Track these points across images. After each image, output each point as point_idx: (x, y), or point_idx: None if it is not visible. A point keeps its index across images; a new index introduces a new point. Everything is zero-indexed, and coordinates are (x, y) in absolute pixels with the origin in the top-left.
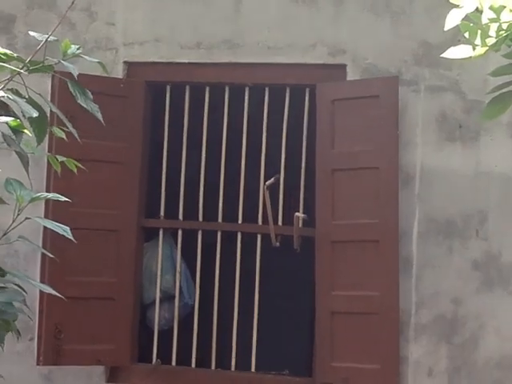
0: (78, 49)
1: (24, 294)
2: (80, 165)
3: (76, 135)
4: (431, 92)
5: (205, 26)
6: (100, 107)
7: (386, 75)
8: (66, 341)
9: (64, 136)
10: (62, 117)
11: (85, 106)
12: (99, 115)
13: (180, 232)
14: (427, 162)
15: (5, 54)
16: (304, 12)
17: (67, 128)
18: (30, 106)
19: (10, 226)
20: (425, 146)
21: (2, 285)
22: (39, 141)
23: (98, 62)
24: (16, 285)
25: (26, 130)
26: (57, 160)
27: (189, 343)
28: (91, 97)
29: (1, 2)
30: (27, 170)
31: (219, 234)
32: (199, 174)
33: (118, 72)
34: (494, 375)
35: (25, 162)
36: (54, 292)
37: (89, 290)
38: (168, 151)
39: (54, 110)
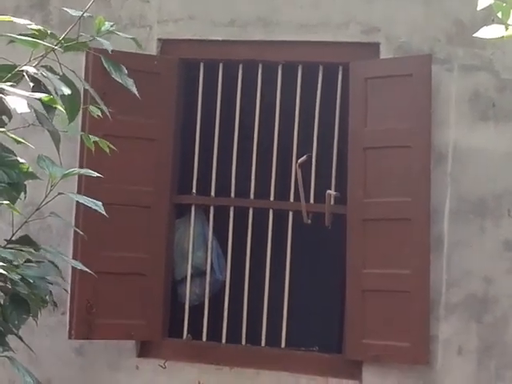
0: (112, 26)
1: (57, 269)
2: (112, 145)
3: (108, 113)
4: (464, 71)
5: (238, 3)
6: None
7: (419, 54)
8: (97, 315)
9: (99, 113)
10: (95, 95)
11: (120, 80)
12: (134, 89)
13: (212, 208)
14: (460, 142)
15: (39, 31)
16: None
17: (100, 106)
18: (64, 84)
19: (43, 201)
20: (458, 125)
21: (36, 260)
22: (71, 119)
23: (132, 39)
24: (49, 261)
25: (58, 107)
26: (90, 139)
27: (219, 319)
28: (126, 72)
29: None
30: (58, 148)
31: (251, 211)
32: (232, 151)
33: (152, 49)
34: None
35: (56, 140)
36: (84, 268)
37: (121, 266)
38: (201, 128)
39: (88, 87)
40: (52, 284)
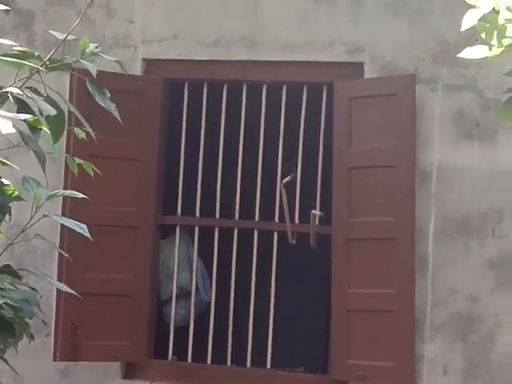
0: (96, 47)
1: (38, 294)
2: (96, 166)
3: (93, 135)
4: (448, 90)
5: (223, 23)
6: (118, 104)
7: (403, 73)
8: (82, 337)
9: (84, 136)
10: (80, 116)
11: (103, 104)
12: (117, 114)
13: (197, 229)
14: (444, 161)
15: (23, 52)
16: (322, 10)
17: (85, 127)
18: (48, 105)
19: (28, 223)
20: (442, 145)
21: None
22: (56, 139)
23: (116, 61)
24: (29, 287)
25: (43, 128)
26: (74, 161)
27: (204, 340)
28: (109, 95)
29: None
30: (44, 169)
31: (236, 232)
32: (216, 171)
33: (137, 69)
34: (510, 374)
35: (42, 161)
36: (69, 290)
37: (106, 287)
38: (186, 148)
39: (72, 109)
40: (39, 307)
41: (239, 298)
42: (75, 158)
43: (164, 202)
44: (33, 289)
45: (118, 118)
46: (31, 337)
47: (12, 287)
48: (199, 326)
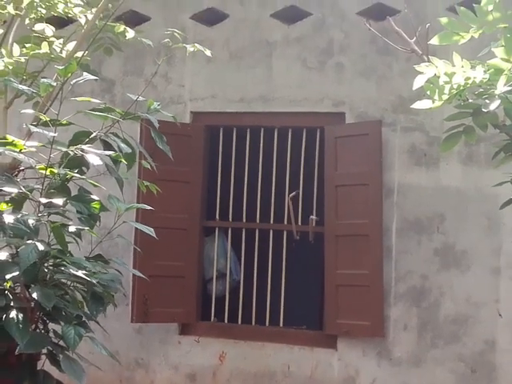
0: (158, 105)
1: (121, 275)
2: (159, 187)
3: (153, 166)
4: (404, 131)
5: (246, 86)
6: (174, 144)
7: (372, 120)
8: (151, 306)
9: (149, 166)
10: (146, 153)
11: (161, 147)
12: (169, 154)
13: (230, 230)
14: (402, 181)
15: (108, 108)
16: (315, 76)
17: (148, 161)
18: (125, 145)
19: (112, 227)
20: (400, 169)
21: (106, 269)
22: (129, 168)
23: (172, 116)
24: (116, 270)
25: (122, 160)
26: (143, 184)
27: (236, 307)
28: (165, 140)
29: (105, 71)
30: (121, 189)
31: (257, 231)
32: (243, 189)
33: (186, 119)
34: (450, 328)
35: (120, 184)
36: (140, 274)
37: (166, 271)
38: (221, 174)
39: (141, 149)
40: (121, 285)
41: (260, 278)
42: (144, 181)
43: (207, 210)
44: (118, 271)
45: (171, 156)
46: (115, 305)
47: (102, 271)
48: (232, 297)
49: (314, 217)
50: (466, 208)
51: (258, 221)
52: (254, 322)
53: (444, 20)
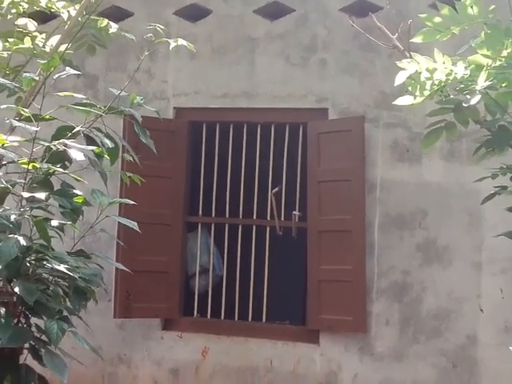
0: (141, 99)
1: (103, 270)
2: (142, 179)
3: (137, 159)
4: (387, 127)
5: (229, 82)
6: (157, 140)
7: (355, 116)
8: (133, 301)
9: (131, 159)
10: (129, 148)
11: (144, 141)
12: (153, 148)
13: (213, 225)
14: (384, 176)
15: (90, 103)
16: (299, 72)
17: (131, 154)
18: (108, 139)
19: (95, 221)
20: (383, 165)
21: (88, 264)
22: (112, 163)
23: (155, 111)
24: (98, 264)
25: (105, 155)
26: (126, 175)
27: (219, 302)
28: (149, 134)
29: (88, 66)
30: (105, 184)
31: (240, 227)
32: (226, 184)
33: (169, 115)
34: (432, 323)
35: (104, 178)
36: (124, 268)
37: (149, 266)
38: (204, 169)
39: (124, 143)
40: (103, 280)
41: (243, 273)
42: (127, 172)
43: (189, 206)
44: (100, 267)
45: (155, 150)
46: (96, 301)
47: (84, 265)
48: (215, 293)
49: (296, 212)
50: (447, 204)
51: (240, 216)
52: (236, 318)
53: (424, 16)
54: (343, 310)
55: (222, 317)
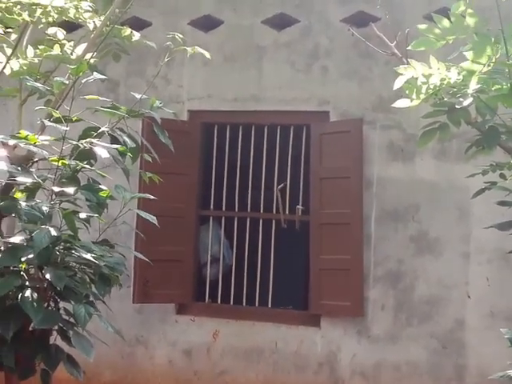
0: (160, 103)
1: (125, 258)
2: (160, 178)
3: (157, 158)
4: (383, 128)
5: (239, 87)
6: (172, 140)
7: (354, 118)
8: (151, 287)
9: (150, 159)
10: (149, 146)
11: (163, 141)
12: (171, 147)
13: (223, 218)
14: (381, 174)
15: (114, 106)
16: (303, 77)
17: (151, 154)
18: (129, 139)
19: (118, 214)
20: (379, 164)
21: (112, 253)
22: (133, 161)
23: (173, 113)
24: (120, 253)
25: (128, 154)
26: (146, 174)
27: (229, 289)
28: (167, 134)
29: (109, 71)
30: (128, 180)
31: (248, 219)
32: (235, 180)
33: (184, 117)
34: (423, 308)
35: (126, 175)
36: (143, 257)
37: (166, 255)
38: (216, 167)
39: (145, 142)
40: (125, 267)
41: (250, 262)
42: (146, 172)
43: (202, 200)
44: (122, 255)
45: (172, 149)
46: (120, 286)
47: (109, 254)
48: (225, 280)
49: (300, 206)
50: (438, 199)
51: (249, 210)
52: (244, 303)
53: (422, 27)
54: (342, 296)
55: (232, 302)
